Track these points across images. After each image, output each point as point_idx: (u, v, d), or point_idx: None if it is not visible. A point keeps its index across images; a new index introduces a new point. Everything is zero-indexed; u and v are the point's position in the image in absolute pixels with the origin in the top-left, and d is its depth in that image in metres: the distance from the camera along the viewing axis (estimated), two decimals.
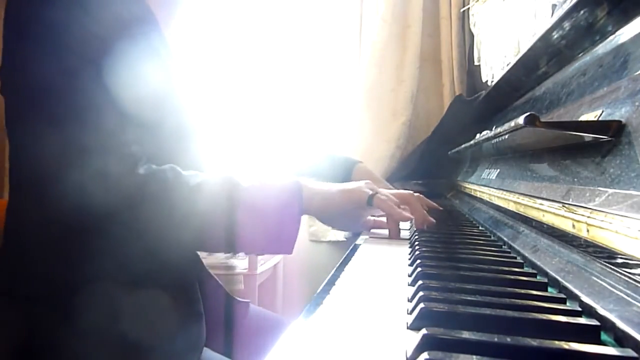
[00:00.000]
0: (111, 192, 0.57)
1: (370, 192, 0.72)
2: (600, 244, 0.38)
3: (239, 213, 0.62)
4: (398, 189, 0.92)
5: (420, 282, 0.41)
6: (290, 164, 1.03)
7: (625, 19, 0.53)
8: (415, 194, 0.82)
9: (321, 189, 0.71)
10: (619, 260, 0.36)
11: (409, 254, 0.62)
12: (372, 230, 0.81)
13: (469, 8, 1.66)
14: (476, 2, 1.56)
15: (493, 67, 1.36)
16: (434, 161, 1.68)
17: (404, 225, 0.79)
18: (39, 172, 0.58)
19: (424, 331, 0.29)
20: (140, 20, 0.66)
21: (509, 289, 0.40)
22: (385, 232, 0.77)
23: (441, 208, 0.95)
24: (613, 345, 0.29)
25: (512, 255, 0.56)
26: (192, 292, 0.72)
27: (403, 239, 0.75)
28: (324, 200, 0.70)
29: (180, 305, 0.68)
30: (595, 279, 0.37)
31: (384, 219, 0.79)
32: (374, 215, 0.83)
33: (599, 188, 0.41)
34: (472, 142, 0.94)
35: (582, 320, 0.32)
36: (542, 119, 0.45)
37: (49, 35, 0.59)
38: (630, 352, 0.27)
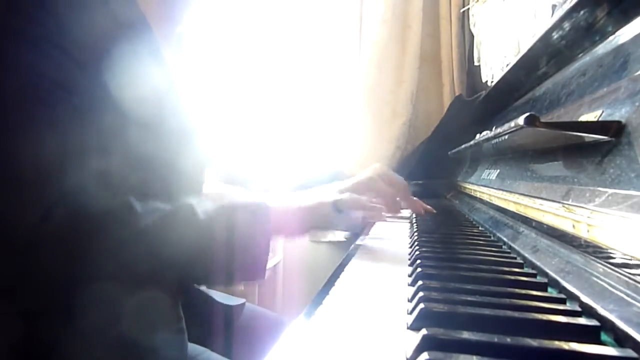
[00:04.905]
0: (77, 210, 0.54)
1: (333, 200, 0.67)
2: (600, 244, 0.38)
3: (198, 247, 0.58)
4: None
5: (420, 282, 0.41)
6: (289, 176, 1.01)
7: (625, 19, 0.53)
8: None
9: (285, 210, 0.66)
10: (619, 260, 0.35)
11: (409, 254, 0.62)
12: (370, 235, 0.79)
13: (469, 8, 1.66)
14: (476, 2, 1.56)
15: (493, 67, 1.36)
16: (434, 161, 1.68)
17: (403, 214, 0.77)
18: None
19: (423, 331, 0.29)
20: (129, 26, 0.65)
21: (508, 289, 0.40)
22: (382, 236, 0.75)
23: (432, 209, 0.94)
24: (613, 346, 0.29)
25: (512, 255, 0.56)
26: (172, 311, 0.71)
27: (403, 217, 0.72)
28: (288, 224, 0.65)
29: (161, 323, 0.67)
30: (595, 279, 0.37)
31: (373, 211, 0.75)
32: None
33: (599, 188, 0.41)
34: (472, 142, 0.94)
35: (582, 320, 0.32)
36: (542, 120, 0.45)
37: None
38: (630, 352, 0.27)
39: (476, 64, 1.55)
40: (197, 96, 0.89)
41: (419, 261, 0.51)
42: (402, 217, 0.94)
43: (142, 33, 0.67)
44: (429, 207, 0.95)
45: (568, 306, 0.37)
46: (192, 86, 0.79)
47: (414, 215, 0.95)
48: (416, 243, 0.64)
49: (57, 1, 0.58)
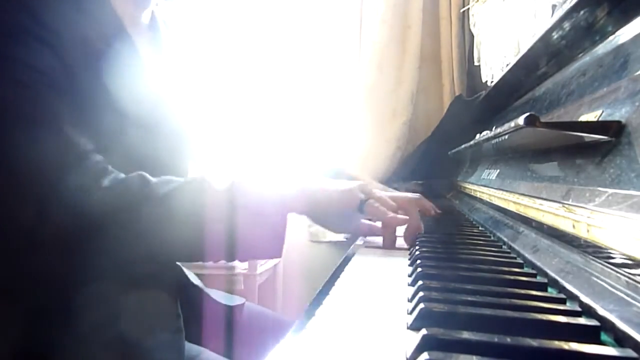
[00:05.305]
0: (74, 209, 0.54)
1: (363, 197, 0.66)
2: (600, 244, 0.38)
3: (209, 219, 0.58)
4: (397, 191, 0.91)
5: (420, 282, 0.41)
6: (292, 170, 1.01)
7: (625, 19, 0.53)
8: (415, 196, 0.76)
9: (311, 187, 0.66)
10: (619, 260, 0.36)
11: (409, 254, 0.62)
12: (367, 239, 0.76)
13: (469, 8, 1.66)
14: (476, 2, 1.56)
15: (493, 67, 1.36)
16: (434, 161, 1.68)
17: (400, 232, 0.71)
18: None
19: (423, 331, 0.29)
20: (108, 37, 0.66)
21: (508, 289, 0.40)
22: (380, 240, 0.71)
23: (440, 211, 0.91)
24: (613, 346, 0.29)
25: (512, 255, 0.56)
26: (170, 308, 0.71)
27: (399, 248, 0.69)
28: (312, 198, 0.65)
29: (159, 322, 0.67)
30: (595, 279, 0.37)
31: (379, 224, 0.73)
32: (369, 219, 0.77)
33: (599, 188, 0.41)
34: (472, 142, 0.94)
35: (582, 320, 0.32)
36: (542, 120, 0.45)
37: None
38: (630, 352, 0.27)
39: (476, 64, 1.55)
40: (192, 99, 0.90)
41: (419, 261, 0.51)
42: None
43: (115, 29, 0.68)
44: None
45: (568, 306, 0.37)
46: (186, 89, 0.79)
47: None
48: (416, 243, 0.64)
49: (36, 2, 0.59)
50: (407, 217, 0.69)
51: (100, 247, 0.56)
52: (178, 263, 0.80)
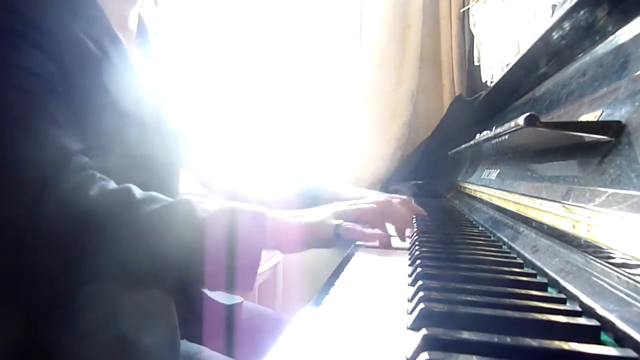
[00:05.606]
0: (64, 209, 0.54)
1: (335, 223, 0.64)
2: (600, 244, 0.38)
3: (194, 245, 0.57)
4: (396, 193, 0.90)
5: (420, 282, 0.41)
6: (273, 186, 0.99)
7: (625, 19, 0.53)
8: (398, 199, 0.76)
9: (286, 224, 0.63)
10: (619, 260, 0.35)
11: (409, 254, 0.62)
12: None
13: (469, 8, 1.66)
14: (476, 2, 1.56)
15: (493, 67, 1.36)
16: (434, 161, 1.68)
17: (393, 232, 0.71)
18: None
19: (423, 331, 0.29)
20: (100, 39, 0.66)
21: (508, 289, 0.40)
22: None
23: (426, 213, 0.89)
24: (613, 346, 0.29)
25: (512, 255, 0.56)
26: (166, 306, 0.71)
27: (397, 248, 0.68)
28: (286, 237, 0.63)
29: (155, 319, 0.67)
30: (595, 279, 0.37)
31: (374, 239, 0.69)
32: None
33: (599, 188, 0.41)
34: (472, 142, 0.94)
35: (582, 320, 0.32)
36: (542, 120, 0.45)
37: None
38: (630, 352, 0.27)
39: (476, 64, 1.55)
40: (192, 102, 0.90)
41: (419, 261, 0.51)
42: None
43: (106, 31, 0.68)
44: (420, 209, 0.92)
45: (568, 306, 0.37)
46: (163, 86, 0.79)
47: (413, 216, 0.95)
48: (416, 243, 0.64)
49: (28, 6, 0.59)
50: (380, 233, 0.67)
51: (87, 249, 0.55)
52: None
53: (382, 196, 0.89)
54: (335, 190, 0.94)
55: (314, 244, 0.64)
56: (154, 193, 0.60)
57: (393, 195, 0.92)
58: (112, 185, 0.58)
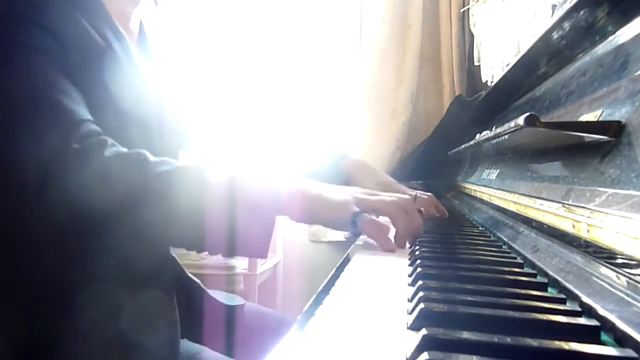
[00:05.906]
0: (72, 172, 0.55)
1: (355, 211, 0.62)
2: (600, 244, 0.38)
3: (207, 207, 0.57)
4: (403, 186, 0.91)
5: (420, 282, 0.41)
6: (290, 163, 1.01)
7: (625, 19, 0.53)
8: (425, 196, 0.76)
9: (303, 192, 0.62)
10: (619, 260, 0.36)
11: (409, 254, 0.62)
12: (367, 239, 0.71)
13: (469, 8, 1.66)
14: (476, 2, 1.56)
15: (493, 67, 1.36)
16: (434, 161, 1.68)
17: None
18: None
19: (423, 331, 0.29)
20: (104, 35, 0.66)
21: (509, 289, 0.40)
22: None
23: (447, 215, 0.90)
24: (613, 346, 0.29)
25: (512, 255, 0.56)
26: (167, 303, 0.71)
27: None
28: (301, 206, 0.62)
29: (155, 316, 0.67)
30: (595, 279, 0.37)
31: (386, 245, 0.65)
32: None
33: (599, 188, 0.41)
34: (472, 142, 0.94)
35: (582, 320, 0.32)
36: (542, 119, 0.45)
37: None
38: (630, 352, 0.27)
39: (476, 64, 1.55)
40: (192, 98, 0.90)
41: (419, 261, 0.51)
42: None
43: (110, 27, 0.68)
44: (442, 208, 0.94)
45: (568, 306, 0.37)
46: (164, 86, 0.80)
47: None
48: (416, 243, 0.64)
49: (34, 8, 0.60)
50: (394, 246, 0.64)
51: (103, 208, 0.55)
52: (177, 263, 0.80)
53: (408, 193, 0.88)
54: (361, 161, 0.96)
55: (326, 222, 0.64)
56: (166, 158, 0.61)
57: (421, 192, 0.93)
58: (125, 149, 0.60)
